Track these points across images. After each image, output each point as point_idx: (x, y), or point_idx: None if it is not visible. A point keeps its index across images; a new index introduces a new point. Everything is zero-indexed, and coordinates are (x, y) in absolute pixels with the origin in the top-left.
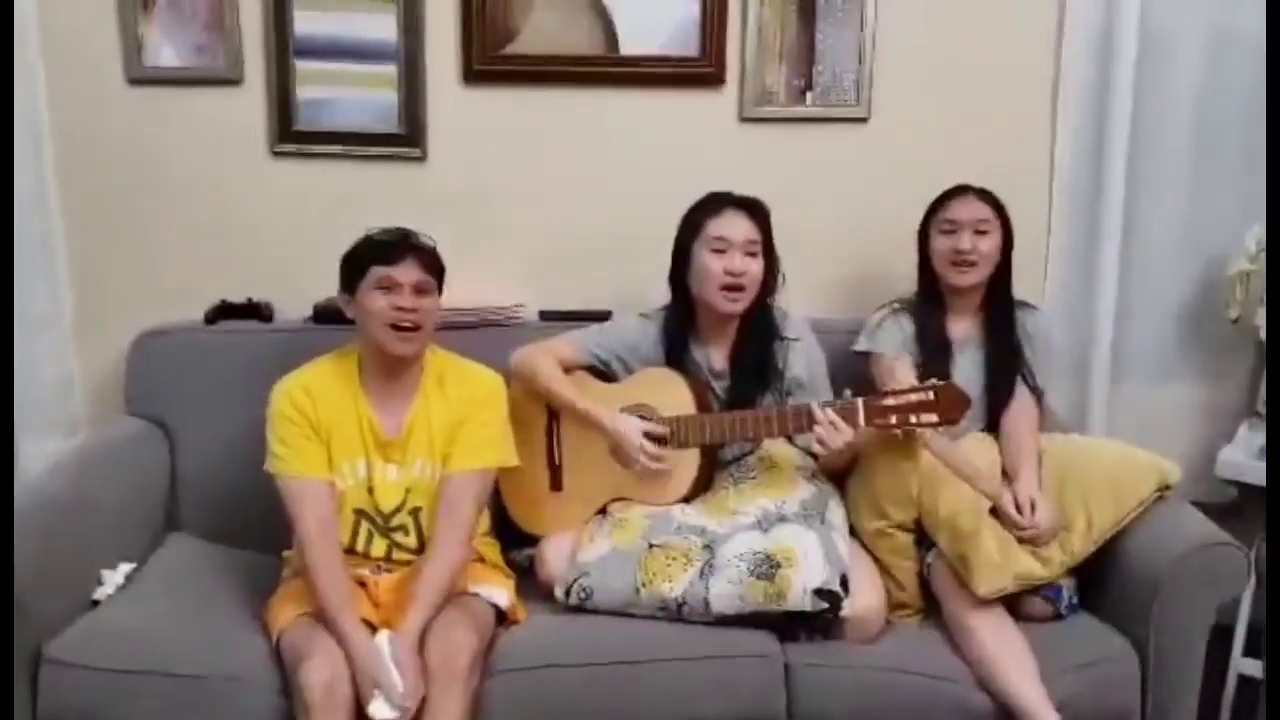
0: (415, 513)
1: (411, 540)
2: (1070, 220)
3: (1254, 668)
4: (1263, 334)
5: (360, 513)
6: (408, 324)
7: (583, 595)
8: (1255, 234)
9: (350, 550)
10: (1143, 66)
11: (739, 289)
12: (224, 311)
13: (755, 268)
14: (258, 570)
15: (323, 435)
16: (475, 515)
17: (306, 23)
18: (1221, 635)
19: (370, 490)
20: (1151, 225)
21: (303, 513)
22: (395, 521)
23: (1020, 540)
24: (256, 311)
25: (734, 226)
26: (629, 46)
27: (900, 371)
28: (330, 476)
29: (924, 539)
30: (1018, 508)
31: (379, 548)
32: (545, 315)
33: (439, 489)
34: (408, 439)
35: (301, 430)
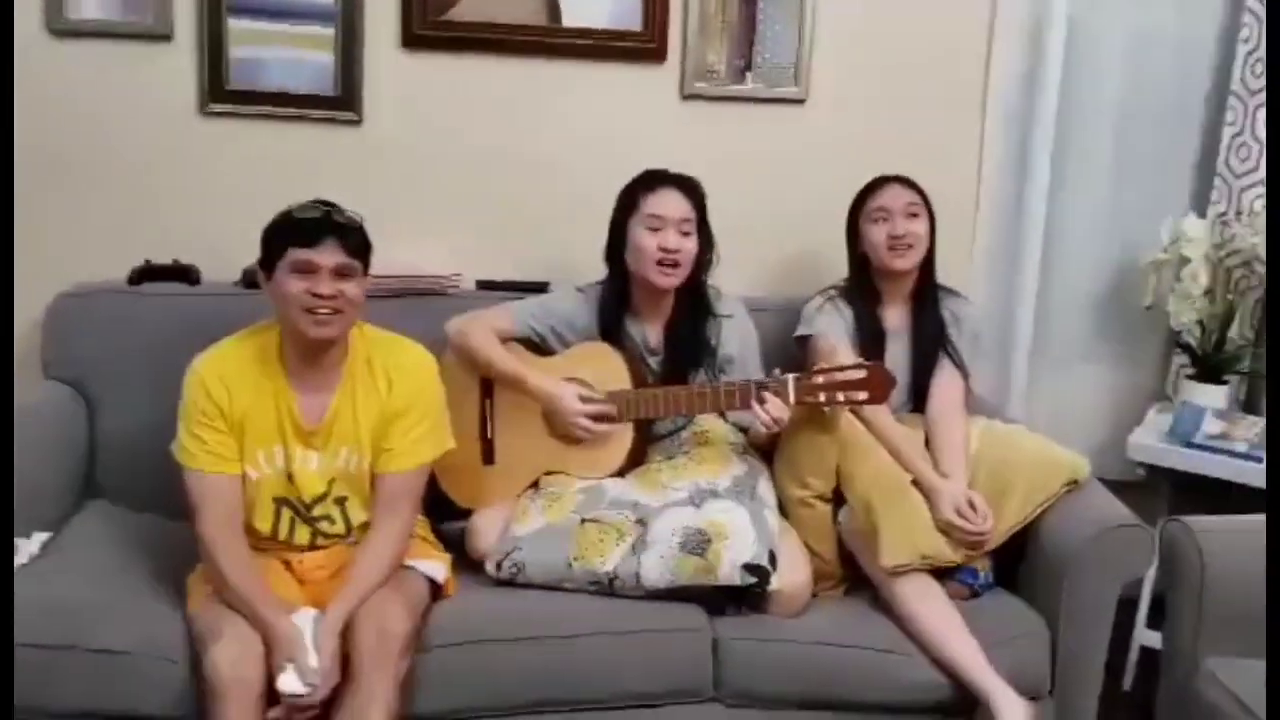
0: (341, 502)
1: (338, 528)
2: (996, 208)
3: (1154, 639)
4: (1172, 321)
5: (281, 500)
6: (325, 309)
7: (514, 569)
8: (1169, 225)
9: (272, 537)
10: (1069, 62)
11: (673, 265)
12: (149, 273)
13: (690, 245)
14: (180, 538)
15: (235, 424)
16: (415, 511)
17: None
18: (1125, 606)
19: (290, 477)
20: (1073, 215)
21: (204, 510)
22: (318, 511)
23: (970, 545)
24: (184, 274)
25: (669, 204)
26: (571, 18)
27: (842, 354)
28: (239, 471)
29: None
30: (962, 509)
31: (302, 535)
32: (482, 285)
33: (373, 486)
34: (331, 427)
35: (212, 423)
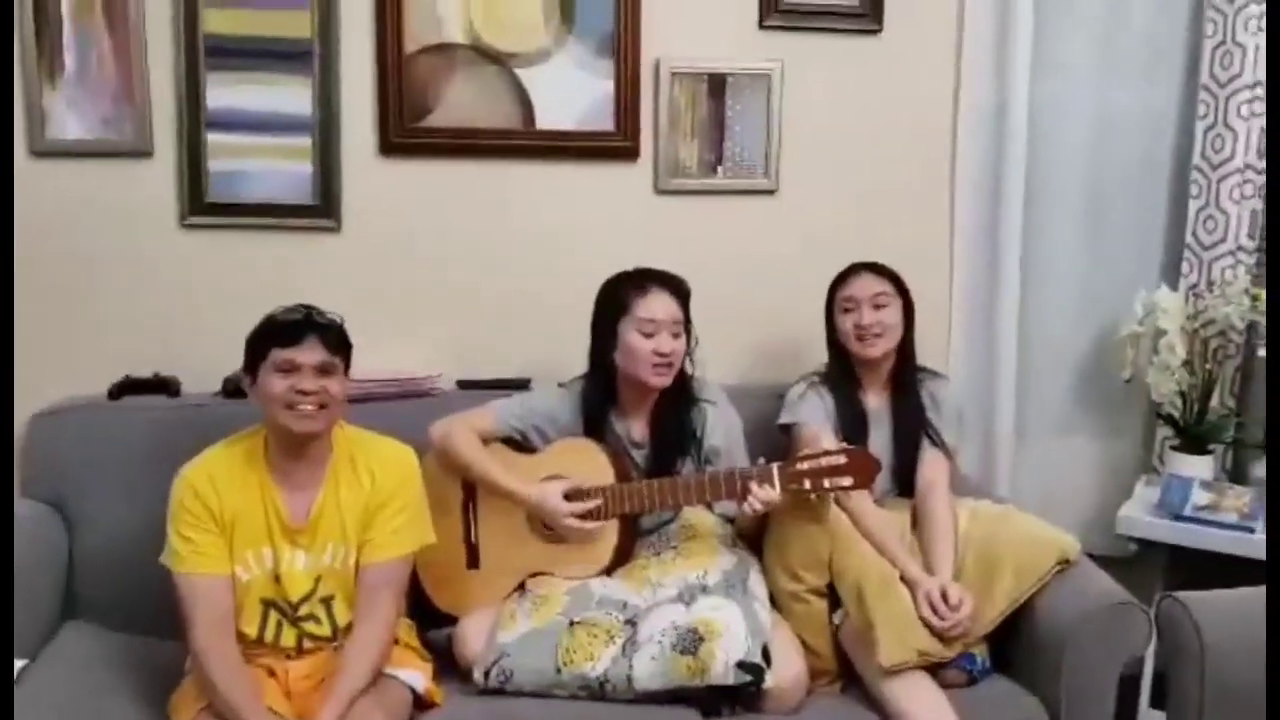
0: (327, 601)
1: (324, 629)
2: (971, 289)
3: (1159, 719)
4: (1153, 393)
5: (268, 602)
6: (309, 406)
7: (502, 677)
8: (1142, 298)
9: (259, 641)
10: (1033, 141)
11: (668, 365)
12: (129, 387)
13: (680, 345)
14: (160, 659)
15: (225, 526)
16: (397, 605)
17: (219, 95)
18: (1128, 685)
19: (277, 579)
20: (1047, 292)
21: (197, 614)
22: (304, 610)
23: (951, 638)
24: (163, 386)
25: (662, 307)
26: (545, 121)
27: (825, 441)
28: (229, 571)
29: (836, 602)
30: (935, 604)
31: (289, 637)
32: (464, 384)
33: (357, 580)
34: (317, 524)
35: (202, 524)
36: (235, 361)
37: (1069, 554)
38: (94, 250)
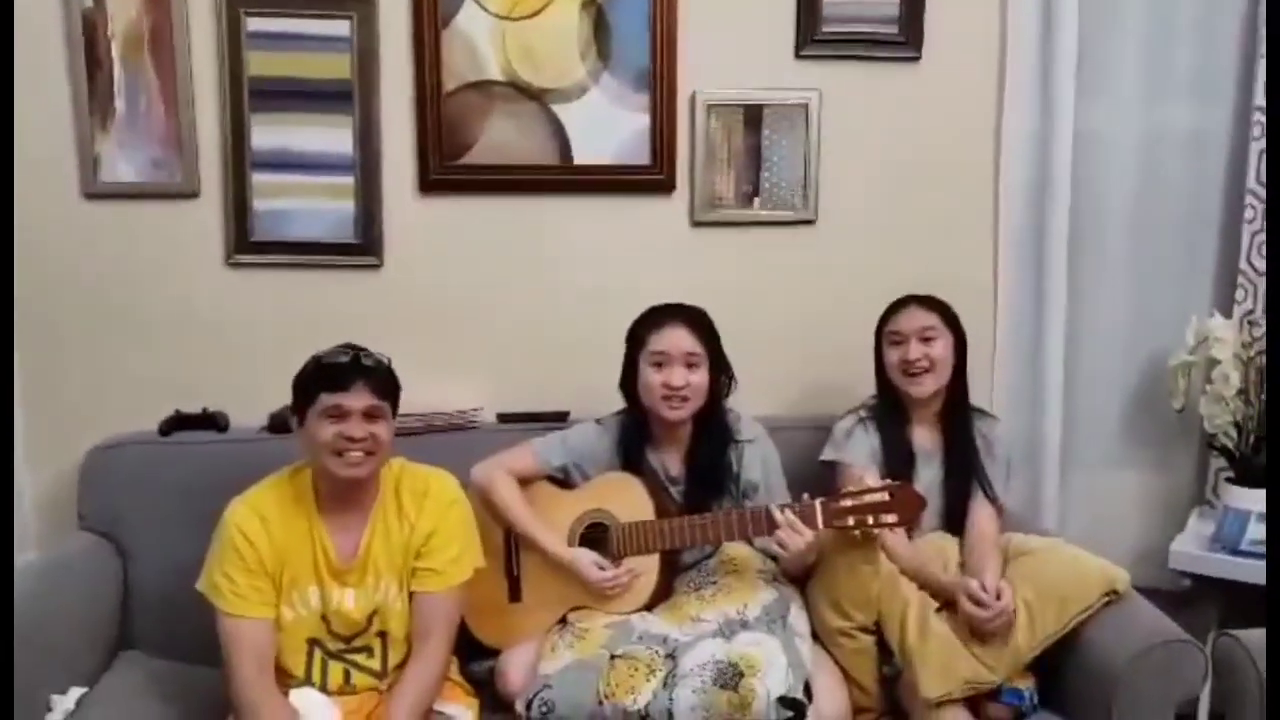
0: (383, 635)
1: (375, 663)
2: (1016, 317)
3: None
4: (1206, 424)
5: (314, 642)
6: (357, 453)
7: (544, 709)
8: (1194, 326)
9: (304, 681)
10: (1078, 167)
11: (681, 399)
12: (179, 422)
13: (696, 378)
14: (213, 688)
15: (273, 566)
16: (451, 635)
17: (264, 136)
18: None
19: (325, 618)
20: (1095, 321)
21: (241, 654)
22: (358, 643)
23: (982, 631)
24: (212, 422)
25: (672, 339)
26: (582, 156)
27: (869, 483)
28: (272, 615)
29: (885, 642)
30: (975, 595)
31: (335, 675)
32: (503, 417)
33: (412, 609)
34: (365, 563)
35: (249, 566)
36: (280, 397)
37: (1118, 585)
38: (145, 289)
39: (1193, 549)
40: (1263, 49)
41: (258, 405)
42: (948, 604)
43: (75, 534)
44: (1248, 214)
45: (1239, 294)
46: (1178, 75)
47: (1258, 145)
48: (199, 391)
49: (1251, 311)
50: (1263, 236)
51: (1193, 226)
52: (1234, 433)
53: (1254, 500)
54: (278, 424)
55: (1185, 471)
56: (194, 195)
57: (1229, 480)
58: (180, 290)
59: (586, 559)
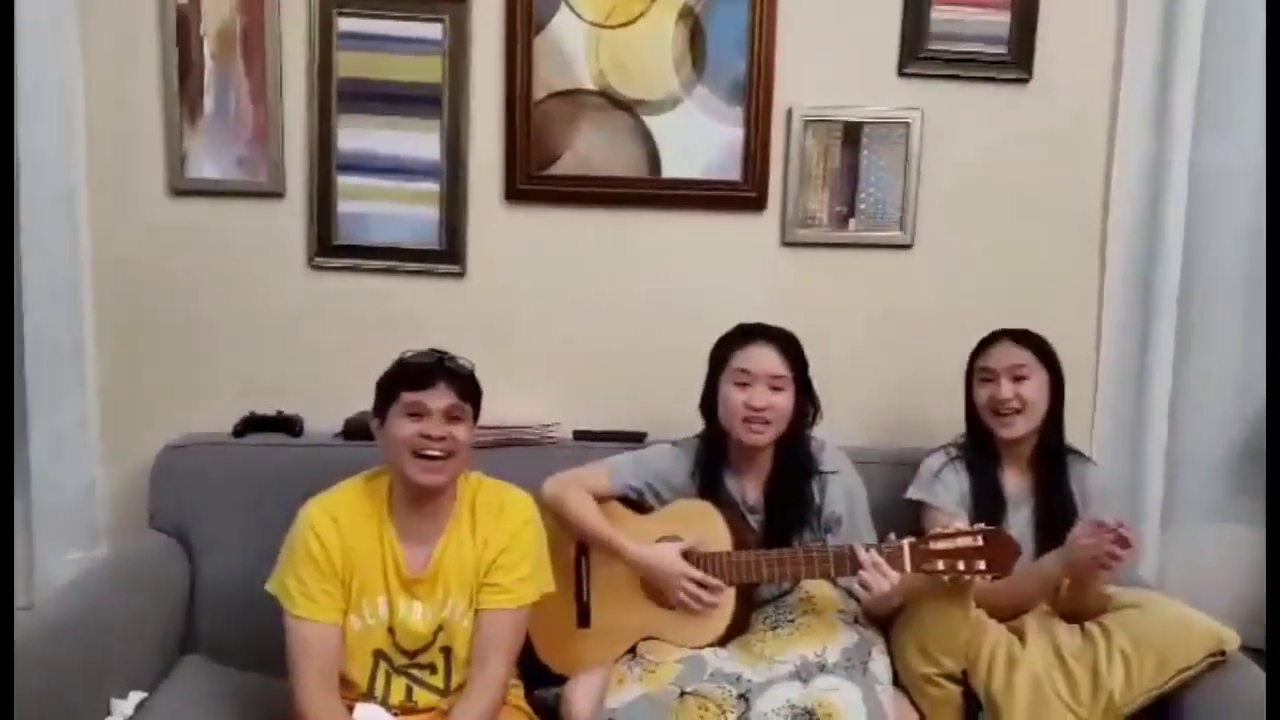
0: (446, 651)
1: (438, 680)
2: (1118, 360)
3: None
4: None
5: (379, 654)
6: (436, 453)
7: None
8: None
9: (368, 694)
10: (1193, 203)
11: (764, 422)
12: (253, 424)
13: (781, 401)
14: (274, 698)
15: (345, 572)
16: (512, 657)
17: (350, 138)
18: None
19: (391, 630)
20: (1203, 365)
21: (307, 660)
22: (423, 659)
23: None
24: (287, 425)
25: (758, 359)
26: (671, 169)
27: (959, 525)
28: (340, 621)
29: (970, 693)
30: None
31: (398, 690)
32: (579, 435)
33: (475, 627)
34: (435, 576)
35: (321, 569)
36: (357, 403)
37: (1226, 645)
38: (225, 288)
39: None
40: None
41: (333, 411)
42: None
43: (145, 532)
44: None
45: None
46: None
47: None
48: (275, 394)
49: None
50: None
51: None
52: None
53: None
54: (353, 430)
55: None
56: (279, 195)
57: None
58: (261, 291)
59: (672, 553)
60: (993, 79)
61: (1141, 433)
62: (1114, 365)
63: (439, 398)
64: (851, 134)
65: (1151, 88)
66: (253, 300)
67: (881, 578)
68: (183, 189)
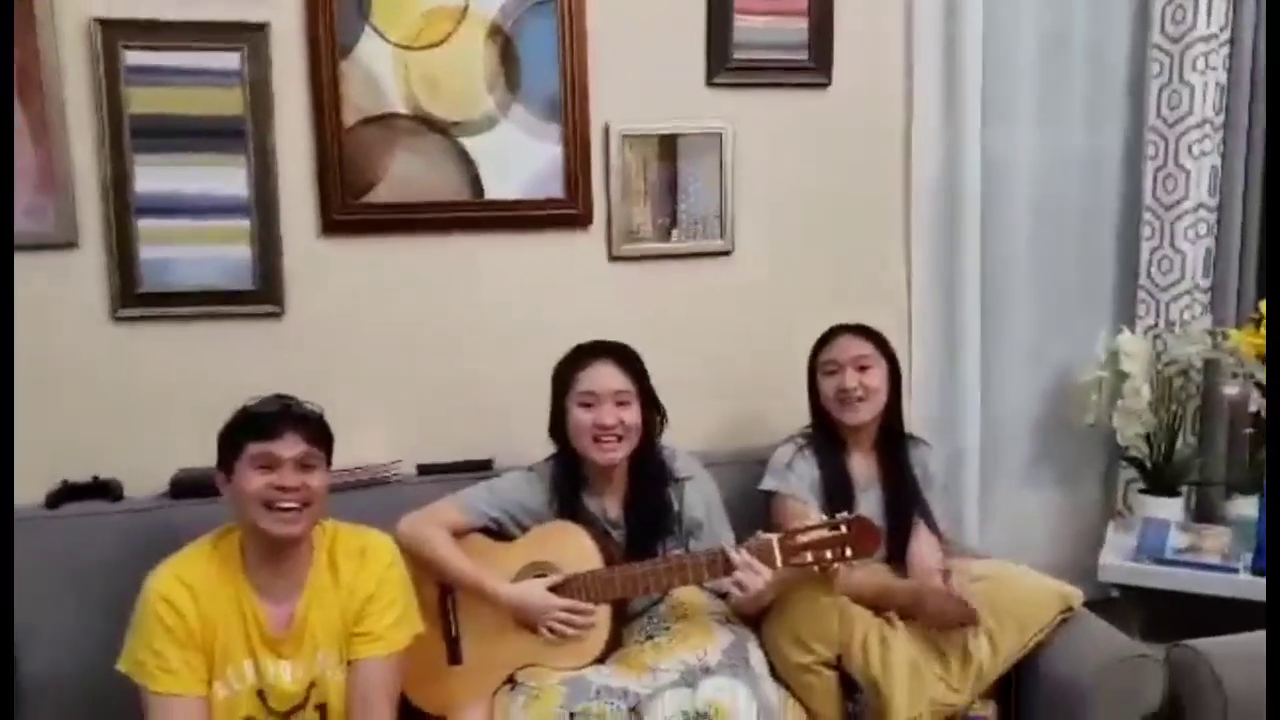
0: (321, 708)
1: None
2: (930, 343)
3: None
4: (1119, 437)
5: None
6: (291, 504)
7: None
8: (1104, 342)
9: None
10: (985, 192)
11: (615, 439)
12: (67, 494)
13: (629, 416)
14: None
15: (203, 640)
16: (393, 707)
17: (149, 179)
18: None
19: (260, 693)
20: (1005, 342)
21: None
22: (296, 719)
23: (948, 621)
24: (104, 491)
25: (600, 378)
26: (494, 190)
27: (812, 515)
28: (204, 692)
29: (846, 677)
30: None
31: None
32: (424, 469)
33: (349, 680)
34: (301, 632)
35: (179, 639)
36: (180, 459)
37: (1072, 602)
38: (21, 350)
39: (1120, 560)
40: (1155, 69)
41: (155, 470)
42: (907, 616)
43: None
44: (1146, 231)
45: (1140, 309)
46: (1072, 98)
47: (1153, 164)
48: (89, 458)
49: (1155, 325)
50: (1163, 252)
51: (1089, 246)
52: (1144, 445)
53: (1168, 509)
54: (182, 488)
55: (1094, 485)
56: (72, 245)
57: (1141, 491)
58: (62, 350)
59: (539, 588)
60: (795, 85)
61: (957, 410)
62: (926, 346)
63: (289, 446)
64: (667, 146)
65: (940, 85)
66: (53, 361)
67: (755, 576)
68: None
